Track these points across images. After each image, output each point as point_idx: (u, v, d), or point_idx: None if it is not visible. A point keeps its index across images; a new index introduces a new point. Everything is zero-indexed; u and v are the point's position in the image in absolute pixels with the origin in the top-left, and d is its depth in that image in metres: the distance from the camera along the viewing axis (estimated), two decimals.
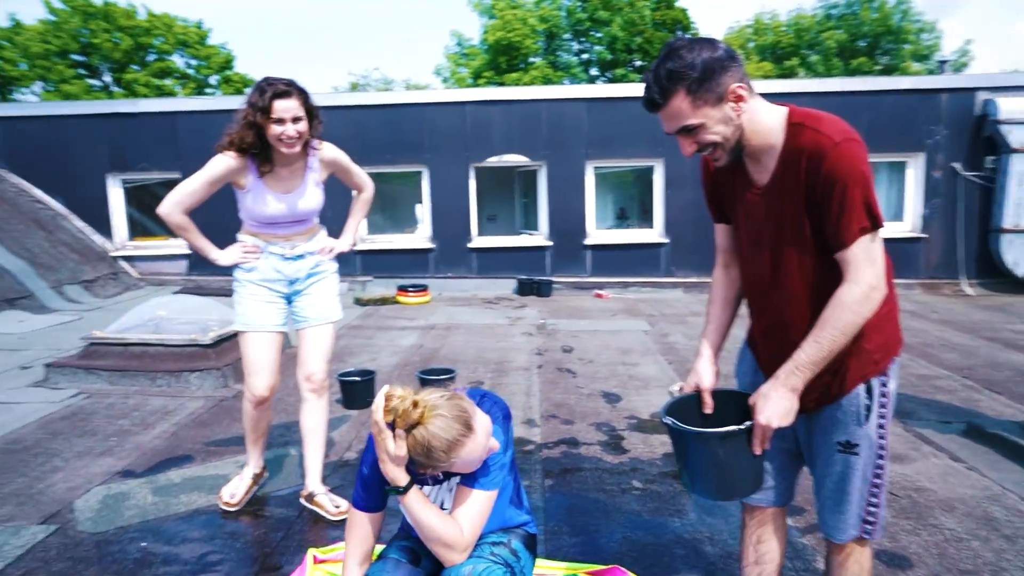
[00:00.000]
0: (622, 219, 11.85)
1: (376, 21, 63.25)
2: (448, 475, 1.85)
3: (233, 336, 5.06)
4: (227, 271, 3.02)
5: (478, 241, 10.53)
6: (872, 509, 1.75)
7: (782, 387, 1.63)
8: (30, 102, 22.91)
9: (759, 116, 1.61)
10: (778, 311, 1.74)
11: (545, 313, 8.42)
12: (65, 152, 10.37)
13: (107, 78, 28.17)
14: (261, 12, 61.02)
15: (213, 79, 30.09)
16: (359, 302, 9.09)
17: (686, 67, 1.52)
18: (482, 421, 1.71)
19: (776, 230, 1.67)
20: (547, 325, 7.55)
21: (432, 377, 4.59)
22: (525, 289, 9.90)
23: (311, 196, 2.95)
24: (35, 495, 3.20)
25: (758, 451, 1.68)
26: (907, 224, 10.17)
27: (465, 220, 10.47)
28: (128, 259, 10.43)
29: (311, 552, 2.55)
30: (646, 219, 11.00)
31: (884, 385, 1.70)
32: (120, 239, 10.60)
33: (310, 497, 3.04)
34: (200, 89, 29.42)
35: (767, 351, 1.82)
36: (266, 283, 2.96)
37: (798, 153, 1.57)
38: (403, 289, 9.27)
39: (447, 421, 1.63)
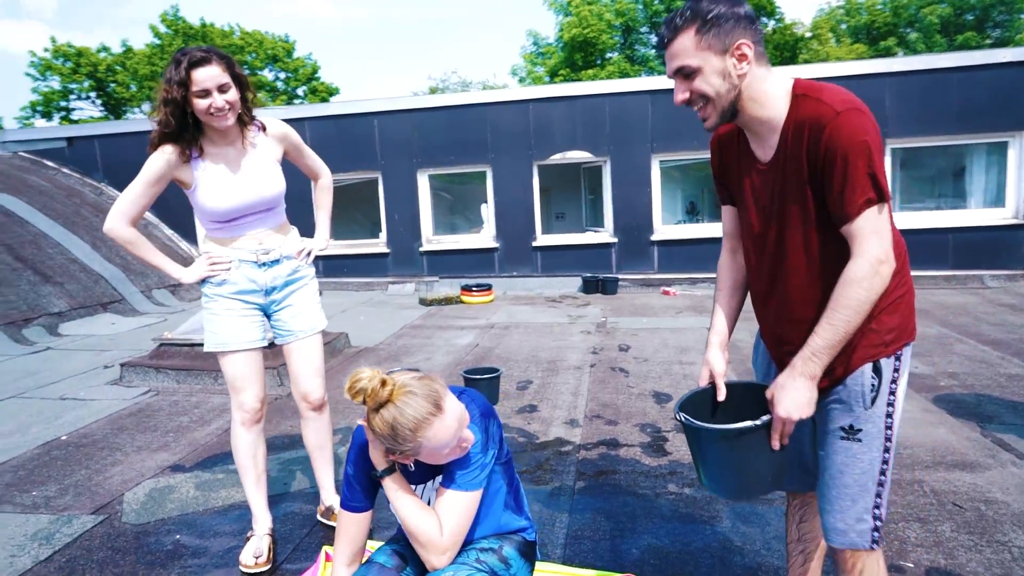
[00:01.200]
0: (692, 213, 11.48)
1: (454, 24, 64.27)
2: (429, 470, 1.82)
3: None
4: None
5: (542, 239, 10.47)
6: (877, 512, 1.63)
7: (799, 376, 1.55)
8: (125, 120, 24.59)
9: (763, 85, 1.58)
10: (783, 289, 1.70)
11: (608, 311, 8.26)
12: None
13: None
14: (343, 21, 63.24)
15: (300, 90, 31.43)
16: (423, 302, 9.22)
17: (701, 11, 1.54)
18: (454, 405, 1.66)
19: (781, 206, 1.63)
20: (607, 323, 7.40)
21: (477, 376, 4.57)
22: (590, 287, 9.76)
23: (268, 177, 2.57)
24: (92, 487, 3.40)
25: (776, 446, 1.59)
26: (1008, 210, 9.33)
27: (529, 218, 10.43)
28: None
29: (324, 549, 2.58)
30: (717, 213, 10.61)
31: (896, 370, 1.61)
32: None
33: (328, 513, 2.94)
34: (289, 100, 30.80)
35: (771, 331, 1.79)
36: (240, 296, 2.64)
37: (800, 125, 1.53)
38: (467, 288, 9.32)
39: (416, 399, 1.60)
